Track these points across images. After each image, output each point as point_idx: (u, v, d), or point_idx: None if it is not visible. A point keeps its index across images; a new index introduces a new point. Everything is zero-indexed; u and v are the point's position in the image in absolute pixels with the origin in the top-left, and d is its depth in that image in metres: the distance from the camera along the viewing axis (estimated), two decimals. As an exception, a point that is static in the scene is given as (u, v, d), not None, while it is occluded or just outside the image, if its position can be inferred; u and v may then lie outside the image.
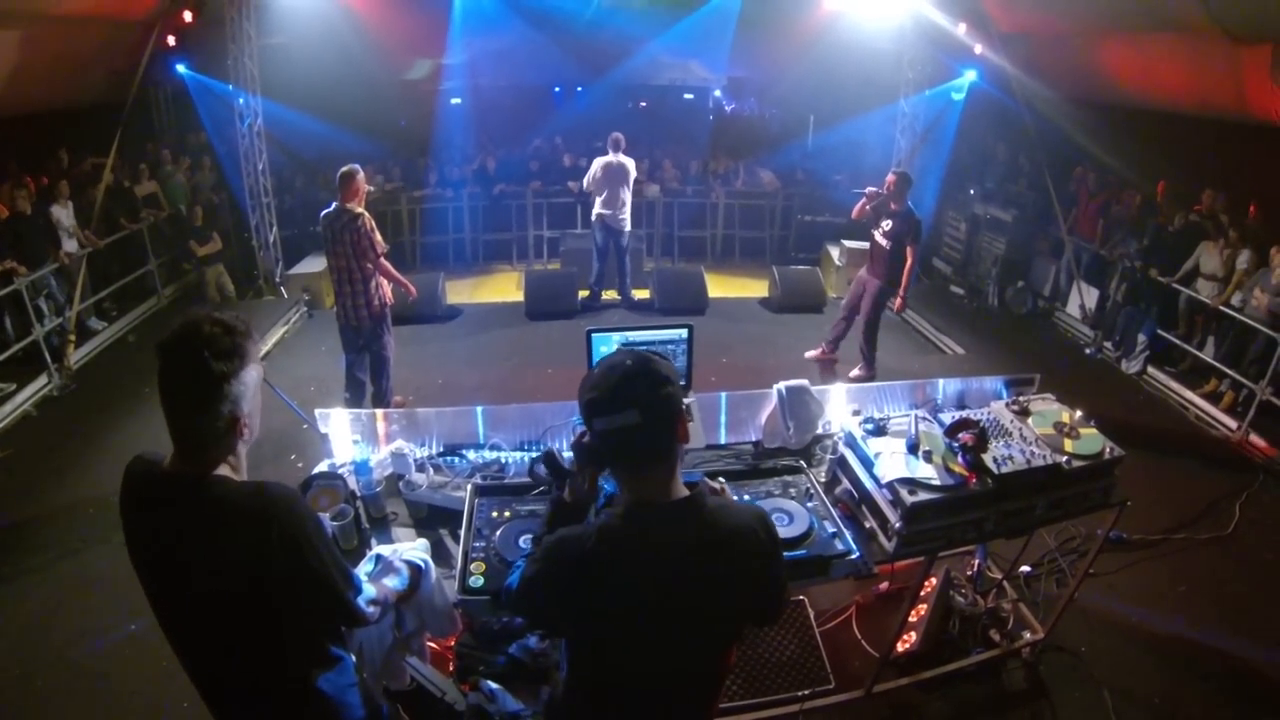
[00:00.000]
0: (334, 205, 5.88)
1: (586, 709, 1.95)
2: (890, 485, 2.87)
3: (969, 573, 4.31)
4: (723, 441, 3.66)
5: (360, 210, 5.88)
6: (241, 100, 9.52)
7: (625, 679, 1.87)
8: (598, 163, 9.07)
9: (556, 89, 16.07)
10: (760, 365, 7.78)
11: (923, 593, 3.97)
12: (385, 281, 6.20)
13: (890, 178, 7.06)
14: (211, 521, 1.73)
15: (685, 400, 3.29)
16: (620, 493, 1.83)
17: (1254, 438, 6.74)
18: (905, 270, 7.08)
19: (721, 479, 2.30)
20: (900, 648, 3.88)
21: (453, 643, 3.49)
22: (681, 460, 1.81)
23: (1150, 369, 8.18)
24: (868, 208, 7.19)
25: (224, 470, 1.79)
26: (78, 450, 6.12)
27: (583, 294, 9.67)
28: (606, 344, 3.14)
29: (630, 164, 9.11)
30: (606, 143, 9.11)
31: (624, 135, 9.11)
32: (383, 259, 6.09)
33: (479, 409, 3.47)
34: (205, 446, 1.76)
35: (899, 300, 7.26)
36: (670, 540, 1.74)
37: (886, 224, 7.02)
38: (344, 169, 5.87)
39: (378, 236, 6.01)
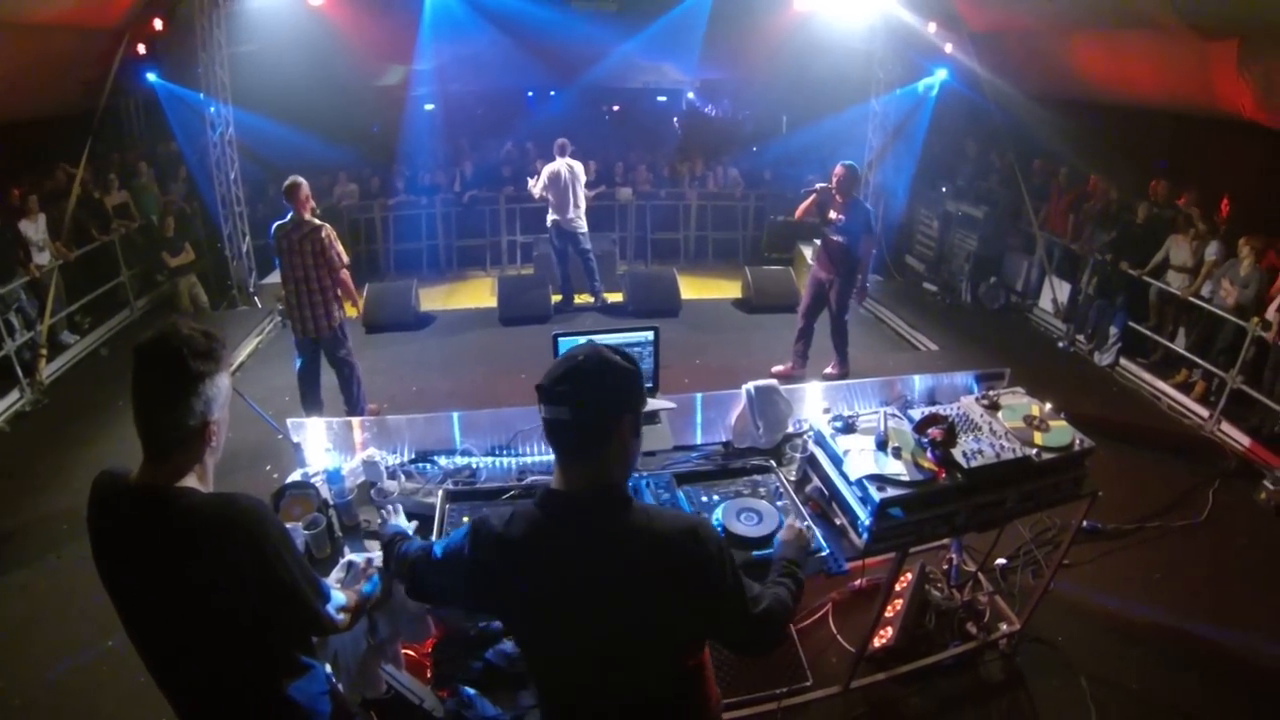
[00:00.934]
0: (289, 216, 5.84)
1: None
2: (859, 482, 2.89)
3: (945, 567, 4.35)
4: (697, 441, 3.66)
5: (321, 222, 5.87)
6: (213, 109, 9.45)
7: (572, 690, 1.88)
8: (546, 169, 9.09)
9: (530, 93, 16.07)
10: (734, 366, 7.78)
11: (898, 588, 4.00)
12: (339, 305, 6.18)
13: (839, 170, 7.00)
14: (179, 534, 1.72)
15: (656, 403, 3.30)
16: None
17: (1225, 426, 6.82)
18: (863, 262, 7.14)
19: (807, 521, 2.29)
20: (877, 643, 3.91)
21: (429, 649, 3.48)
22: (627, 461, 1.80)
23: (1122, 361, 8.27)
24: (813, 206, 7.16)
25: (191, 481, 1.78)
26: (51, 465, 6.03)
27: (555, 298, 9.67)
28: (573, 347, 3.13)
29: (578, 166, 9.12)
30: (554, 148, 9.14)
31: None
32: (344, 271, 6.08)
33: (454, 415, 3.47)
34: (173, 450, 1.76)
35: (860, 292, 7.33)
36: (581, 533, 1.73)
37: (839, 219, 6.99)
38: (288, 181, 5.86)
39: (340, 247, 5.99)
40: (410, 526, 2.51)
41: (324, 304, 5.98)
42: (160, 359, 1.72)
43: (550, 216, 9.25)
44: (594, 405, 1.69)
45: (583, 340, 3.13)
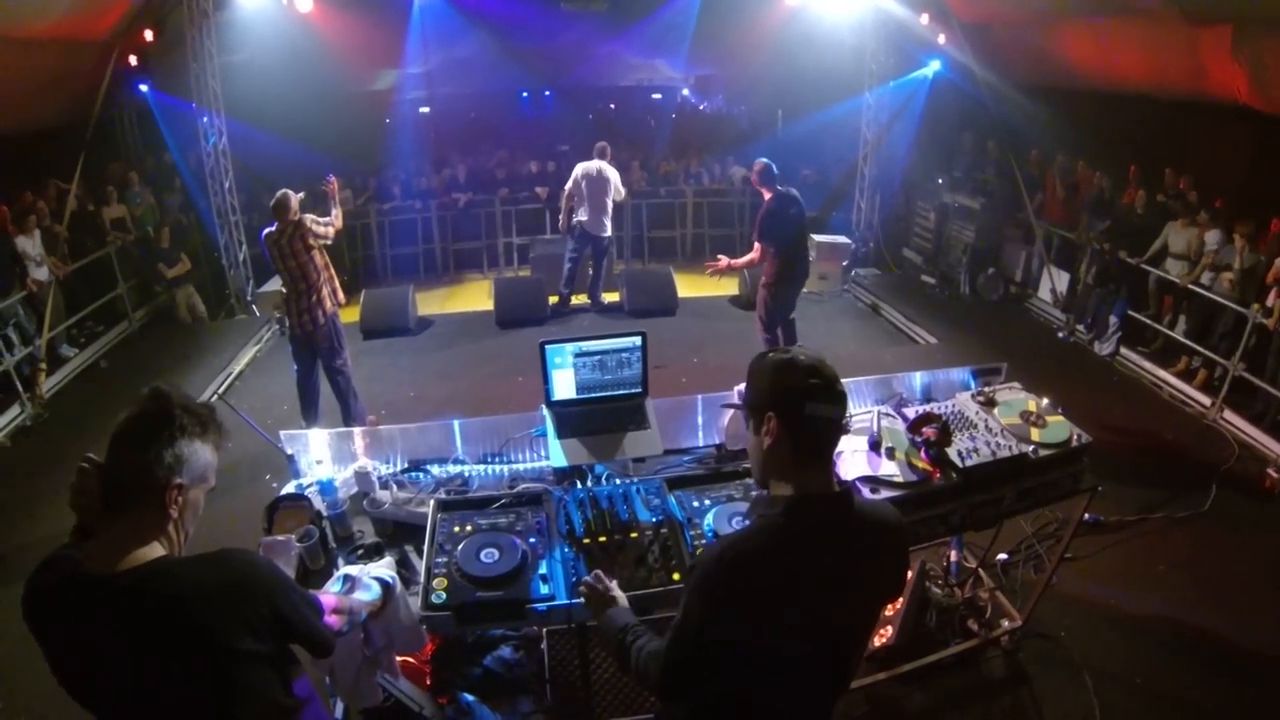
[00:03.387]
0: (274, 226, 5.98)
1: None
2: (853, 484, 2.87)
3: (945, 564, 4.33)
4: (699, 444, 3.64)
5: (298, 218, 5.99)
6: (205, 119, 9.45)
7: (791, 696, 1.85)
8: (579, 169, 9.07)
9: (524, 94, 16.08)
10: (732, 364, 7.61)
11: (898, 587, 3.97)
12: (329, 289, 6.21)
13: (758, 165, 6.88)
14: (188, 610, 1.64)
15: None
16: (770, 493, 1.81)
17: (1228, 414, 6.80)
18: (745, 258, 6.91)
19: None
20: (877, 642, 3.90)
21: (428, 656, 3.48)
22: None
23: (1123, 350, 8.24)
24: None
25: (159, 551, 1.71)
26: (54, 480, 5.95)
27: (552, 300, 9.65)
28: (560, 354, 3.13)
29: (611, 171, 9.10)
30: (593, 150, 9.11)
31: (593, 138, 9.11)
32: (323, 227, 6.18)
33: (448, 423, 3.45)
34: (129, 503, 1.68)
35: (723, 262, 6.90)
36: (837, 530, 1.75)
37: None
38: (276, 196, 5.95)
39: (315, 225, 6.09)
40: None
41: (312, 292, 6.06)
42: (151, 404, 1.70)
43: (578, 217, 9.21)
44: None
45: (569, 347, 3.14)
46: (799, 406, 1.70)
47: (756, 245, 6.74)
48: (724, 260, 6.88)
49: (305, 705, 1.95)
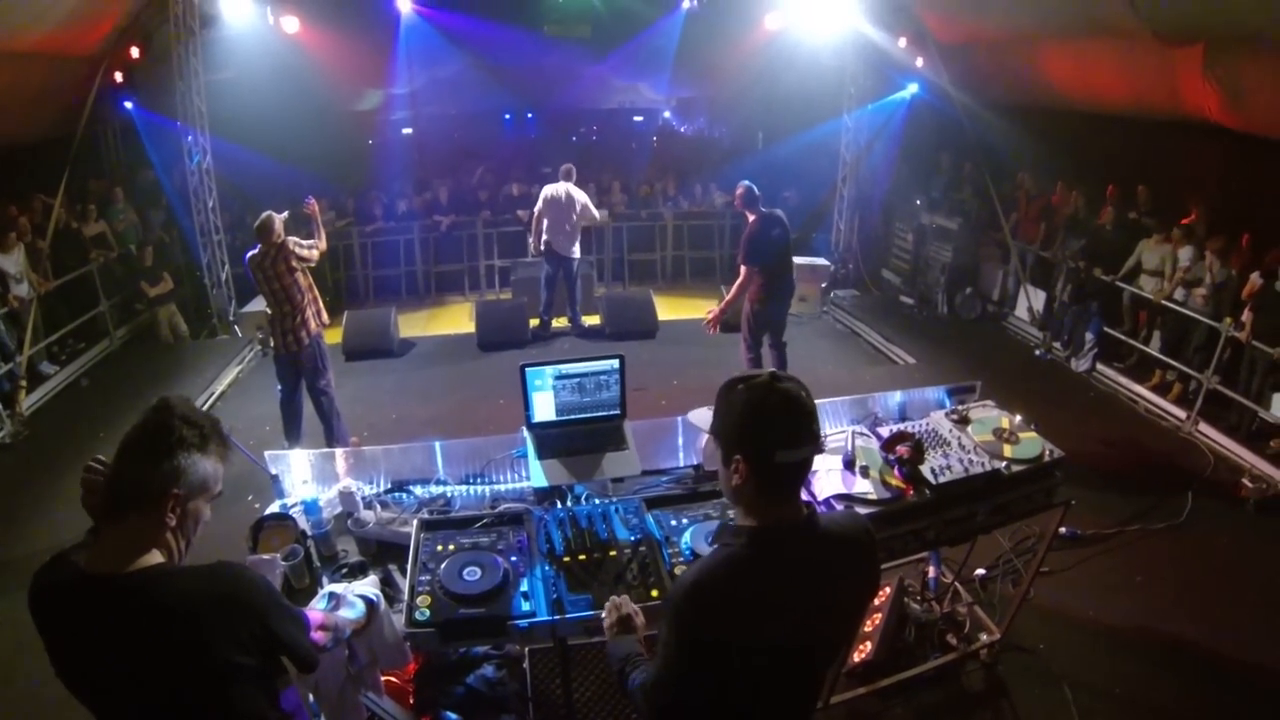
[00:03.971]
0: (258, 248, 5.99)
1: None
2: (826, 502, 2.93)
3: (923, 579, 4.38)
4: (679, 464, 3.67)
5: (281, 240, 6.00)
6: (190, 137, 9.46)
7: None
8: (545, 191, 9.15)
9: (507, 116, 16.15)
10: (711, 386, 7.44)
11: (875, 602, 4.02)
12: (314, 310, 6.24)
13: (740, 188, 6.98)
14: (175, 617, 1.69)
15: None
16: (736, 522, 1.82)
17: (1203, 426, 6.91)
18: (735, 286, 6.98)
19: None
20: (856, 657, 3.93)
21: (411, 675, 3.49)
22: None
23: (1099, 366, 8.35)
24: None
25: (157, 558, 1.75)
26: (33, 497, 6.02)
27: (533, 323, 9.67)
28: (540, 378, 3.17)
29: (578, 193, 9.17)
30: (558, 172, 9.15)
31: (574, 161, 9.18)
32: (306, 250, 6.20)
33: (430, 444, 3.48)
34: (128, 509, 1.72)
35: (714, 313, 7.11)
36: (801, 556, 1.75)
37: None
38: (260, 218, 5.97)
39: (298, 248, 6.11)
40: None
41: (295, 313, 6.08)
42: (153, 416, 1.75)
43: (545, 238, 9.27)
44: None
45: (549, 370, 3.18)
46: (770, 454, 1.67)
47: (742, 269, 6.81)
48: (714, 311, 7.07)
49: (292, 718, 1.99)
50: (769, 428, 1.67)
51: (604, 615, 2.20)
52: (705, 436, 3.48)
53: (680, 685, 1.78)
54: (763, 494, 1.73)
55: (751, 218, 6.83)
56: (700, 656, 1.72)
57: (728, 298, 7.07)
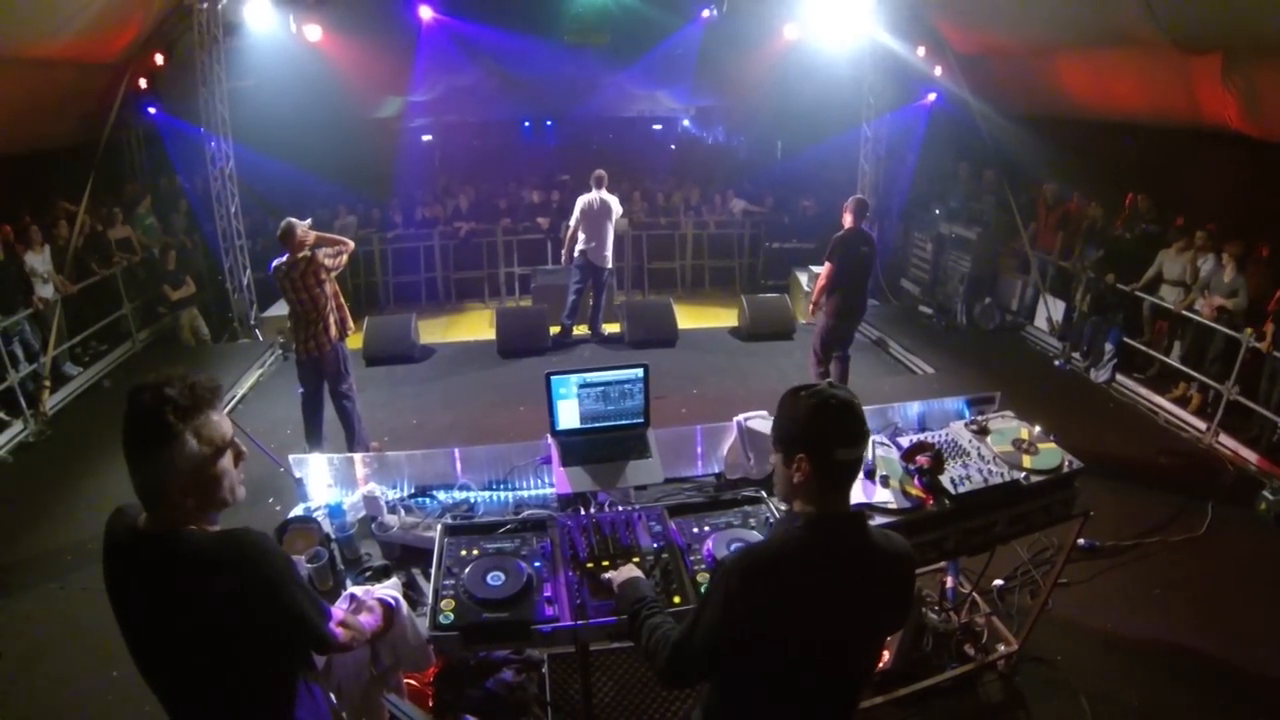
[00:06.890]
0: (285, 257, 6.01)
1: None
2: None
3: (941, 589, 4.37)
4: (697, 473, 3.71)
5: (310, 253, 6.04)
6: (213, 143, 9.55)
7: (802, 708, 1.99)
8: (581, 201, 9.15)
9: (526, 123, 16.21)
10: (730, 395, 7.78)
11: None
12: (337, 318, 6.26)
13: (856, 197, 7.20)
14: (190, 573, 1.77)
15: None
16: (795, 510, 1.95)
17: (1224, 438, 6.87)
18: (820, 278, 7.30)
19: None
20: (875, 666, 3.93)
21: (431, 678, 3.52)
22: None
23: (1119, 377, 8.32)
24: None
25: (194, 525, 1.82)
26: (55, 496, 6.08)
27: (554, 330, 9.68)
28: (565, 385, 3.21)
29: (612, 199, 9.19)
30: (590, 180, 9.20)
31: (589, 169, 9.22)
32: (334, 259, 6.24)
33: (452, 451, 3.52)
34: (157, 501, 1.79)
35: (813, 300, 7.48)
36: (851, 547, 1.90)
37: None
38: (282, 225, 5.99)
39: (327, 259, 6.14)
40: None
41: (320, 321, 6.10)
42: (140, 415, 1.75)
43: (580, 247, 9.28)
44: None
45: (574, 379, 3.22)
46: (831, 452, 1.84)
47: (826, 264, 7.07)
48: (811, 306, 7.49)
49: (311, 698, 2.04)
50: (830, 429, 1.84)
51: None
52: (727, 444, 3.53)
53: (709, 651, 1.92)
54: (822, 488, 1.88)
55: (848, 224, 6.99)
56: (741, 626, 1.85)
57: (819, 283, 7.28)
